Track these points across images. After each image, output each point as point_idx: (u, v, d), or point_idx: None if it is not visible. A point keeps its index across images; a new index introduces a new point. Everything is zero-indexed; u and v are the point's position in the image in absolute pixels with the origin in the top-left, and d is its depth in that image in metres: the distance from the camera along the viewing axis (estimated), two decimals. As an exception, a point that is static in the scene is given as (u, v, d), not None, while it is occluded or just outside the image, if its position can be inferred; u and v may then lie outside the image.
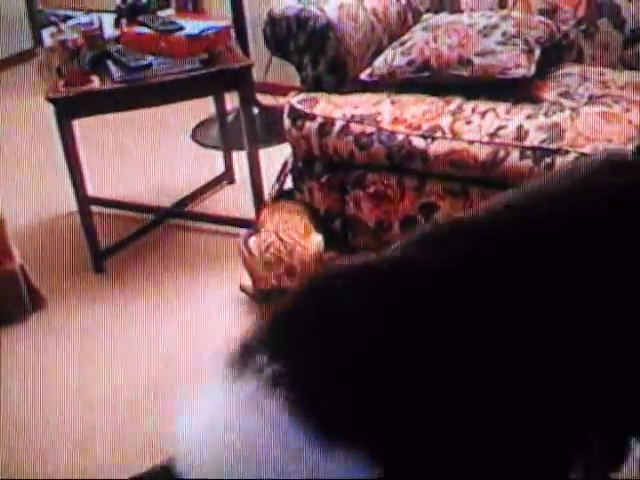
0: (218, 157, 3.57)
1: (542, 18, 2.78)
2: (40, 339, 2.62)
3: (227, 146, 3.31)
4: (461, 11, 2.98)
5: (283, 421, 1.24)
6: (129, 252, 2.99)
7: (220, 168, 3.49)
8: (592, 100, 2.49)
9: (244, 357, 1.36)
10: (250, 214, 3.03)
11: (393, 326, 1.36)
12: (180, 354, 2.56)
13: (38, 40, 5.11)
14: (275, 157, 3.26)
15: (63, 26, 2.79)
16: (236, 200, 3.26)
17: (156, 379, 2.46)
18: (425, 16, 2.97)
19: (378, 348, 1.32)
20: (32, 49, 5.06)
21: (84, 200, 2.77)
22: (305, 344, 1.37)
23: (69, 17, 5.82)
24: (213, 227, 3.11)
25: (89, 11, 5.27)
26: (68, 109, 2.60)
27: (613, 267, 1.38)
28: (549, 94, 2.56)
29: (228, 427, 1.28)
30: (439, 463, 1.26)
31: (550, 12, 2.82)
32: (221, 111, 3.22)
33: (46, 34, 5.24)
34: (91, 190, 2.98)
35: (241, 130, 3.35)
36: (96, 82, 2.66)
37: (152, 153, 3.73)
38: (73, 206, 3.22)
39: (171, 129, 3.88)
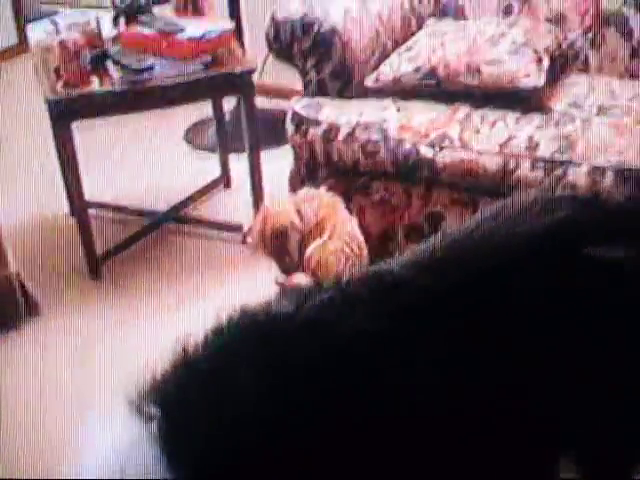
0: (212, 159, 3.52)
1: (549, 26, 2.75)
2: (35, 346, 2.56)
3: (224, 149, 3.25)
4: (465, 17, 2.94)
5: (157, 472, 1.23)
6: (125, 257, 2.93)
7: (214, 170, 3.43)
8: (602, 111, 2.47)
9: (142, 398, 1.35)
10: (248, 219, 2.98)
11: (282, 395, 1.31)
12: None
13: (23, 36, 5.04)
14: (269, 160, 3.21)
15: (61, 25, 2.71)
16: (234, 204, 3.20)
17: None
18: (429, 21, 2.93)
19: (262, 418, 1.29)
20: (17, 45, 4.97)
21: (81, 204, 2.70)
22: (188, 401, 1.35)
23: (54, 12, 5.73)
24: (210, 232, 3.05)
25: (77, 7, 5.19)
26: (67, 111, 2.53)
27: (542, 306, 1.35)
28: (558, 104, 2.53)
29: (114, 467, 1.26)
30: None
31: (557, 20, 2.80)
32: (219, 114, 3.16)
33: (33, 30, 5.16)
34: (84, 193, 2.92)
35: (237, 133, 3.31)
36: (96, 83, 2.59)
37: (144, 154, 3.66)
38: (67, 208, 3.17)
39: (163, 130, 3.81)
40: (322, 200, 2.52)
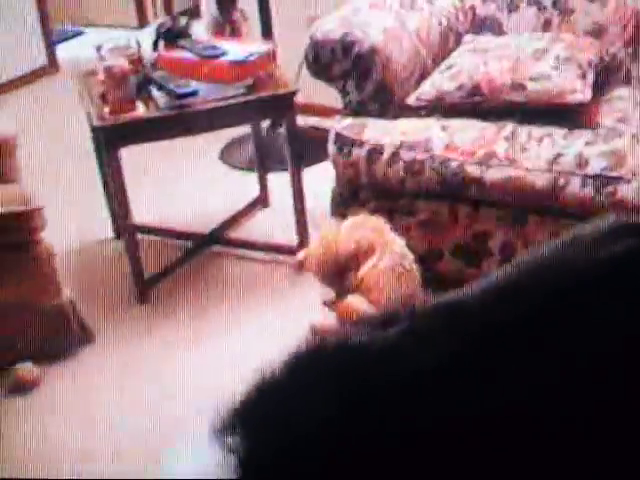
0: (247, 178, 3.53)
1: (591, 40, 2.74)
2: (88, 373, 2.56)
3: (263, 169, 3.26)
4: (503, 33, 2.94)
5: None
6: (172, 281, 2.93)
7: (250, 189, 3.44)
8: (649, 125, 2.46)
9: (222, 426, 1.33)
10: (290, 239, 2.99)
11: (363, 428, 1.29)
12: (229, 385, 2.50)
13: (52, 57, 5.08)
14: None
15: (104, 50, 2.72)
16: (274, 224, 3.20)
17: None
18: (467, 38, 2.93)
19: (343, 455, 1.27)
20: (46, 66, 5.02)
21: (130, 230, 2.71)
22: (268, 430, 1.33)
23: (80, 33, 5.76)
24: (254, 254, 3.05)
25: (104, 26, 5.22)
26: (115, 137, 2.54)
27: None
28: (605, 119, 2.52)
29: None
30: None
31: (597, 33, 2.79)
32: (257, 133, 3.17)
33: (60, 50, 5.18)
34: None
35: (272, 151, 3.32)
36: (141, 109, 2.61)
37: (178, 175, 3.67)
38: (109, 233, 3.19)
39: (196, 150, 3.82)
40: (370, 224, 2.53)
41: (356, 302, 2.41)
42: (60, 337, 2.49)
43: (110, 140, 2.54)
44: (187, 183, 3.59)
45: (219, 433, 1.36)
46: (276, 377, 1.43)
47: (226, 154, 3.80)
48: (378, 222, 2.57)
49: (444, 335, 1.34)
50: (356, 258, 2.49)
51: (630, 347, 1.35)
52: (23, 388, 2.47)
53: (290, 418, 1.32)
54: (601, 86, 2.68)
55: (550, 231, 2.46)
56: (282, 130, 3.68)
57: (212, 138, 3.82)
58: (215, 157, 3.82)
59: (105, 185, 3.03)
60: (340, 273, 2.55)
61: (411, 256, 2.53)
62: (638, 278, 1.41)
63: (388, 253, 2.48)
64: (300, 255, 2.59)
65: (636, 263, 1.44)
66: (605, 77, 2.73)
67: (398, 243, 2.54)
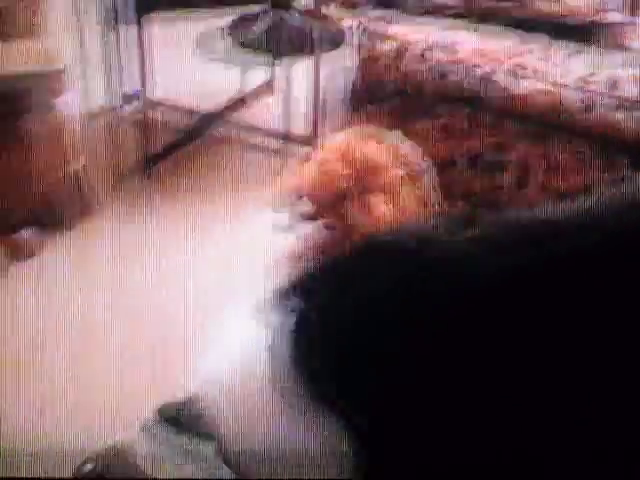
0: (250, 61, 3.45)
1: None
2: (87, 246, 2.52)
3: (276, 54, 3.16)
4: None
5: (284, 370, 1.24)
6: (176, 160, 2.87)
7: (254, 73, 3.34)
8: (683, 54, 2.43)
9: (282, 295, 1.35)
10: (299, 128, 2.94)
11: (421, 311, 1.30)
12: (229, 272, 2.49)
13: None
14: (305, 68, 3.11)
15: None
16: (284, 112, 3.13)
17: (196, 297, 2.39)
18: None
19: (399, 331, 1.28)
20: None
21: (149, 103, 2.62)
22: (328, 296, 1.35)
23: None
24: (260, 140, 2.99)
25: None
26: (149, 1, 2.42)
27: None
28: (635, 43, 2.48)
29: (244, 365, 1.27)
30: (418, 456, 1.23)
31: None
32: (282, 18, 3.06)
33: None
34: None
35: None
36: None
37: (179, 50, 3.55)
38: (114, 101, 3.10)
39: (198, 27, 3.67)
40: (365, 138, 2.46)
41: (376, 201, 2.37)
42: (69, 204, 2.43)
43: (142, 4, 2.41)
44: (189, 59, 3.47)
45: (281, 297, 1.36)
46: (343, 257, 1.42)
47: (233, 34, 3.66)
48: (372, 132, 2.48)
49: (514, 248, 1.33)
50: (356, 185, 2.43)
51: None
52: (22, 255, 2.43)
53: (349, 290, 1.32)
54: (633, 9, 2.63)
55: (570, 153, 2.45)
56: (288, 15, 3.61)
57: (213, 15, 3.68)
58: (218, 34, 3.69)
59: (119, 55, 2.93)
60: (339, 201, 2.48)
61: (418, 158, 2.45)
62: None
63: (396, 160, 2.41)
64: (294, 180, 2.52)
65: None
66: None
67: (399, 146, 2.46)
